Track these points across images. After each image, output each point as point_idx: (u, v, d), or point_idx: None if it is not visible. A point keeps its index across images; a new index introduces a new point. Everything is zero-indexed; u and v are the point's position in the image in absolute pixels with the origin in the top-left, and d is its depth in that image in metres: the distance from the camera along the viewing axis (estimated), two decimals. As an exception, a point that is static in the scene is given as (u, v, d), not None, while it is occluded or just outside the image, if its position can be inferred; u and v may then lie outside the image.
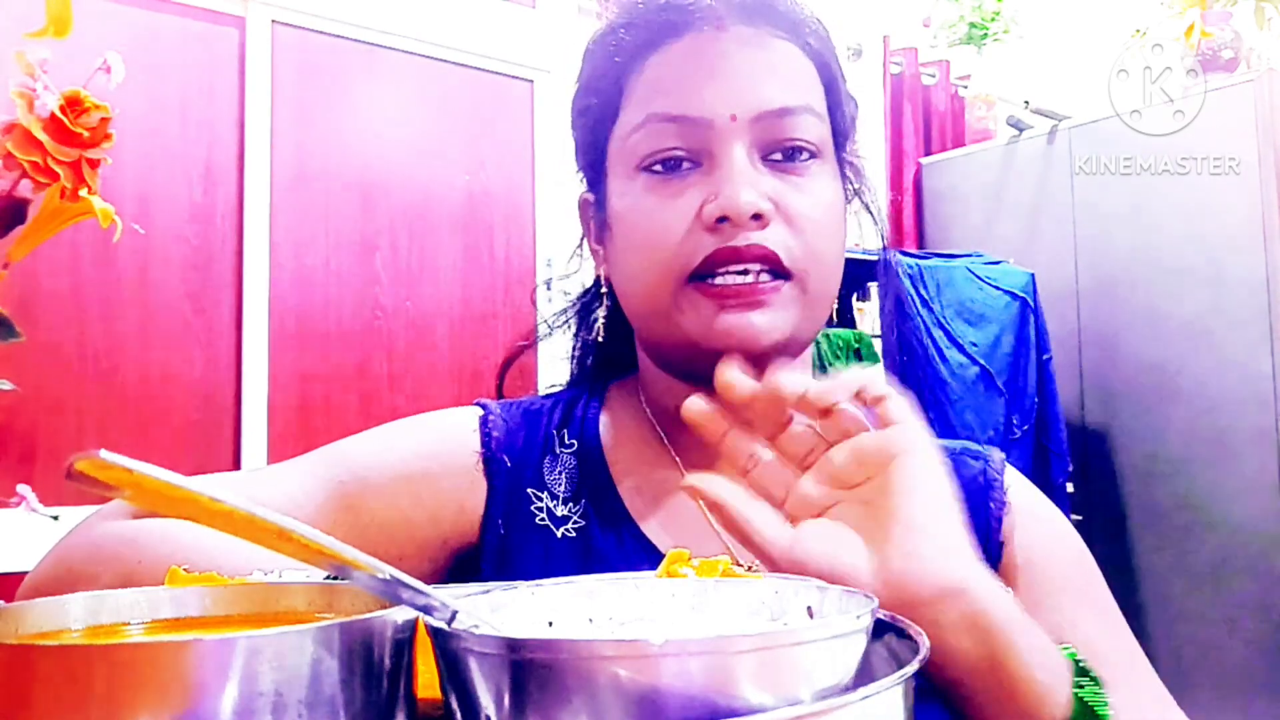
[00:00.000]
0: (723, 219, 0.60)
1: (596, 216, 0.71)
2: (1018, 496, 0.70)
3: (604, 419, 0.72)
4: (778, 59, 0.64)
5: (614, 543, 0.65)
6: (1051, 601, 0.64)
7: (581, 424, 0.71)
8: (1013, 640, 0.45)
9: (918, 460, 0.49)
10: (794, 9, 0.66)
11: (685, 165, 0.63)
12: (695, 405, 0.53)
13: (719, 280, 0.60)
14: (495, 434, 0.69)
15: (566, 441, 0.70)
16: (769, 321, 0.61)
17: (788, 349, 0.63)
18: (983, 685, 0.45)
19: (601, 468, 0.69)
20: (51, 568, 0.58)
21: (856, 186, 0.73)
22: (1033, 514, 0.70)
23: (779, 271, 0.61)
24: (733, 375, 0.52)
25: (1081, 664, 0.48)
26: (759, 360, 0.62)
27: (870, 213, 0.75)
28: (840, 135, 0.69)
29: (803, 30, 0.66)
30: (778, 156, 0.63)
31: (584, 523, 0.66)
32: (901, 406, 0.50)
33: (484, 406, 0.71)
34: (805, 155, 0.63)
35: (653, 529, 0.66)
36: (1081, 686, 0.47)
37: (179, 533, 0.55)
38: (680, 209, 0.62)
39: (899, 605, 0.44)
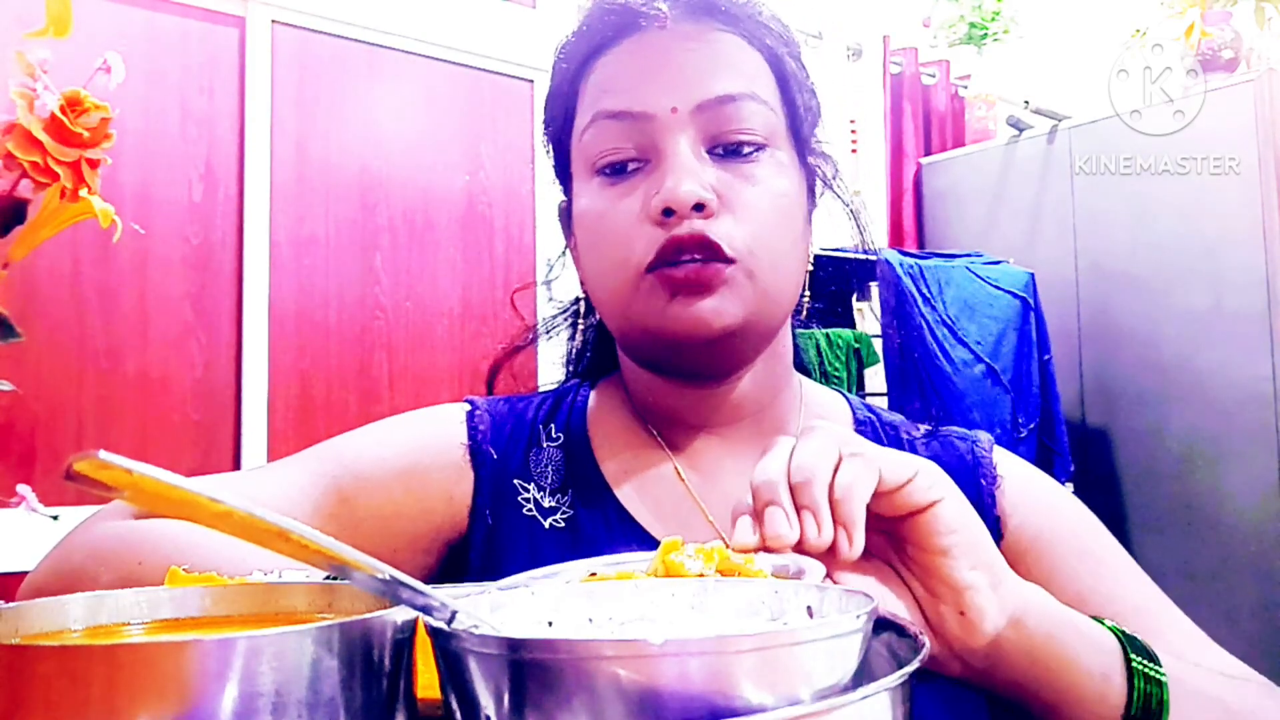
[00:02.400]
0: (667, 211, 0.61)
1: (569, 221, 0.73)
2: (1009, 470, 0.71)
3: (590, 412, 0.73)
4: (719, 50, 0.65)
5: (603, 530, 0.66)
6: (1068, 571, 0.64)
7: (568, 418, 0.72)
8: (1065, 646, 0.48)
9: (952, 508, 0.47)
10: (738, 3, 0.67)
11: (631, 166, 0.64)
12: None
13: (671, 268, 0.62)
14: (481, 427, 0.70)
15: (553, 435, 0.71)
16: (717, 306, 0.61)
17: (744, 336, 0.64)
18: (1042, 688, 0.48)
19: (588, 459, 0.70)
20: (52, 568, 0.58)
21: (828, 177, 0.73)
22: (1028, 485, 0.70)
23: (723, 259, 0.62)
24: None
25: (1122, 633, 0.51)
26: (714, 346, 0.63)
27: (844, 203, 0.75)
28: (798, 125, 0.69)
29: (748, 22, 0.67)
30: (722, 149, 0.64)
31: (572, 512, 0.67)
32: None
33: (471, 402, 0.73)
34: (752, 145, 0.64)
35: (643, 515, 0.67)
36: (1131, 657, 0.49)
37: (179, 533, 0.55)
38: (629, 206, 0.63)
39: (954, 658, 0.47)
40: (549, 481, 0.69)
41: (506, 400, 0.75)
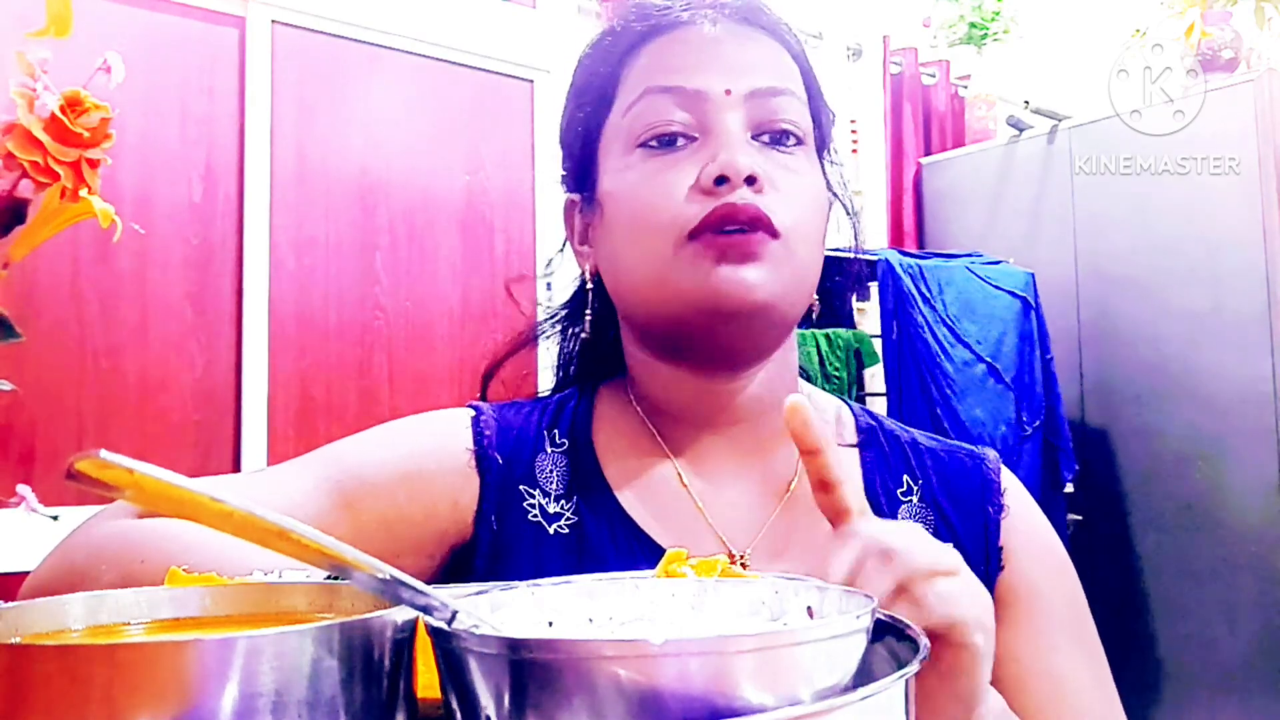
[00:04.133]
0: (720, 180, 0.62)
1: (584, 213, 0.73)
2: (1015, 501, 0.71)
3: (594, 417, 0.73)
4: (767, 50, 0.68)
5: (607, 536, 0.66)
6: (1051, 641, 0.65)
7: (572, 423, 0.72)
8: None
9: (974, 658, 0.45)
10: (778, 19, 0.71)
11: (680, 141, 0.65)
12: (796, 402, 0.49)
13: (718, 236, 0.62)
14: (487, 432, 0.70)
15: (557, 440, 0.71)
16: (762, 276, 0.62)
17: (774, 314, 0.65)
18: None
19: (592, 464, 0.70)
20: (53, 567, 0.58)
21: (836, 186, 0.75)
22: (1033, 532, 0.71)
23: (772, 232, 0.63)
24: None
25: None
26: (750, 318, 0.63)
27: (848, 213, 0.78)
28: (821, 137, 0.72)
29: (784, 35, 0.70)
30: (767, 138, 0.66)
31: (576, 519, 0.67)
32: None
33: (476, 407, 0.73)
34: (792, 138, 0.66)
35: (646, 522, 0.67)
36: None
37: (181, 532, 0.55)
38: (678, 176, 0.64)
39: None
40: (554, 487, 0.69)
41: (511, 405, 0.74)
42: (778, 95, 0.65)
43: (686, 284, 0.63)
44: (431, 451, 0.68)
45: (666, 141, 0.65)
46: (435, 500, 0.66)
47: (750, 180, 0.62)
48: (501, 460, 0.69)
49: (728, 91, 0.64)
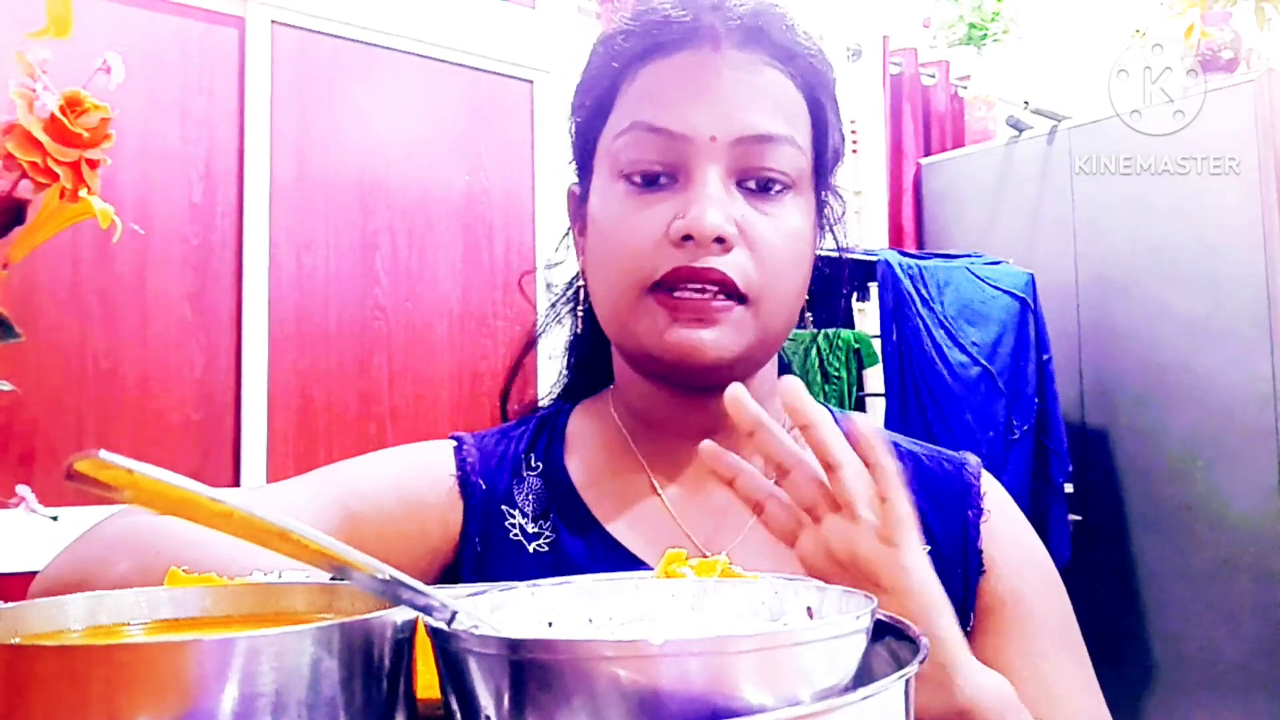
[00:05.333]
0: (687, 237, 0.61)
1: (580, 210, 0.74)
2: (998, 507, 0.71)
3: (568, 437, 0.74)
4: (766, 86, 0.65)
5: (585, 551, 0.68)
6: (1039, 647, 0.65)
7: (547, 447, 0.74)
8: None
9: (917, 580, 0.48)
10: (791, 38, 0.67)
11: (662, 179, 0.64)
12: (708, 448, 0.54)
13: (676, 294, 0.62)
14: (469, 460, 0.72)
15: (532, 464, 0.73)
16: (716, 339, 0.62)
17: (735, 368, 0.65)
18: None
19: (567, 485, 0.71)
20: (68, 559, 0.58)
21: (834, 219, 0.74)
22: (1018, 540, 0.71)
23: (734, 294, 0.62)
24: (738, 395, 0.52)
25: None
26: (707, 376, 0.64)
27: (836, 242, 0.77)
28: (822, 167, 0.70)
29: (797, 60, 0.67)
30: (752, 184, 0.64)
31: (554, 536, 0.69)
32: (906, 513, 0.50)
33: (458, 438, 0.75)
34: (779, 185, 0.65)
35: (622, 533, 0.68)
36: None
37: (194, 527, 0.55)
38: (649, 222, 0.63)
39: None
40: (532, 508, 0.70)
41: (490, 433, 0.76)
42: (768, 142, 0.63)
43: (644, 335, 0.64)
44: (421, 475, 0.71)
45: (648, 180, 0.64)
46: (427, 519, 0.68)
47: (720, 240, 0.61)
48: (484, 486, 0.71)
49: (713, 138, 0.62)
